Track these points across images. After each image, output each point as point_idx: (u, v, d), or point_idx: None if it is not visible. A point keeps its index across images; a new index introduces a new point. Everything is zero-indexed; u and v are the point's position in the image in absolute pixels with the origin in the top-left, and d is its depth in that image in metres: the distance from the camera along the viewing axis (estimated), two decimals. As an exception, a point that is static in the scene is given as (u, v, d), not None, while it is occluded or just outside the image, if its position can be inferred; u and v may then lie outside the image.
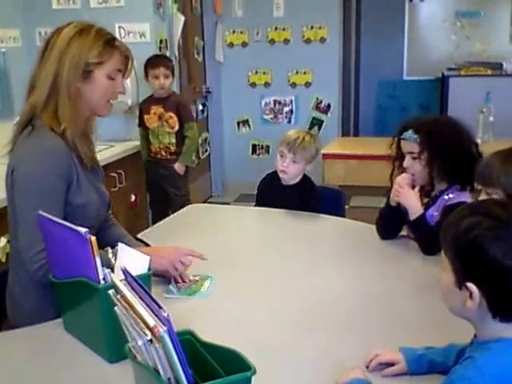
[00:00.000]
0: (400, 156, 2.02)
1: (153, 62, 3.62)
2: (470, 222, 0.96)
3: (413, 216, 1.94)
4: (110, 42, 1.59)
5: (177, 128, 3.64)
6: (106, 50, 1.58)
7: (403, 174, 1.99)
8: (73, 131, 1.56)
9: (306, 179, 2.48)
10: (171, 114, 3.62)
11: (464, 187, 1.93)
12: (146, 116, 3.68)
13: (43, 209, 1.39)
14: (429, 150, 1.92)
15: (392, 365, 1.23)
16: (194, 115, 5.09)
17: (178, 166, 3.67)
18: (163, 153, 3.69)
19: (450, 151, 1.91)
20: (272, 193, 2.49)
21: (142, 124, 3.73)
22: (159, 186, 3.76)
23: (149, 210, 3.93)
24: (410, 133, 1.94)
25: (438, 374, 1.18)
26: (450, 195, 1.95)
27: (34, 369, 1.31)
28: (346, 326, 1.47)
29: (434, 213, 1.97)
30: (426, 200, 2.02)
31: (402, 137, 1.98)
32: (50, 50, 1.56)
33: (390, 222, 2.06)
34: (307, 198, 2.41)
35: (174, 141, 3.66)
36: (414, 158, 1.95)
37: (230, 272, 1.81)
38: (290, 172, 2.40)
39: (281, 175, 2.43)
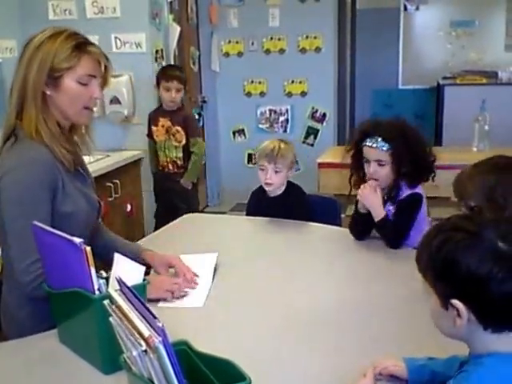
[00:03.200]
0: (359, 160, 2.08)
1: (167, 74, 3.56)
2: (440, 239, 0.97)
3: (376, 218, 2.03)
4: (79, 46, 1.55)
5: (184, 142, 3.58)
6: (74, 55, 1.53)
7: (370, 182, 2.04)
8: (46, 135, 1.53)
9: (292, 188, 2.48)
10: (178, 128, 3.56)
11: (417, 182, 2.05)
12: (153, 128, 3.63)
13: (28, 217, 1.39)
14: (398, 159, 1.99)
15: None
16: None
17: (184, 182, 3.61)
18: (170, 166, 3.63)
19: (416, 157, 2.00)
20: (260, 207, 2.49)
21: (150, 135, 3.67)
22: (167, 199, 3.68)
23: (144, 220, 3.92)
24: (379, 141, 1.99)
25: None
26: (404, 188, 2.05)
27: (29, 380, 1.30)
28: (342, 336, 1.46)
29: (390, 207, 2.06)
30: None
31: (369, 144, 2.02)
32: (22, 57, 1.55)
33: (362, 226, 2.14)
34: (296, 205, 2.41)
35: (180, 155, 3.60)
36: (380, 165, 2.01)
37: (225, 280, 1.81)
38: (276, 182, 2.41)
39: (266, 188, 2.43)
